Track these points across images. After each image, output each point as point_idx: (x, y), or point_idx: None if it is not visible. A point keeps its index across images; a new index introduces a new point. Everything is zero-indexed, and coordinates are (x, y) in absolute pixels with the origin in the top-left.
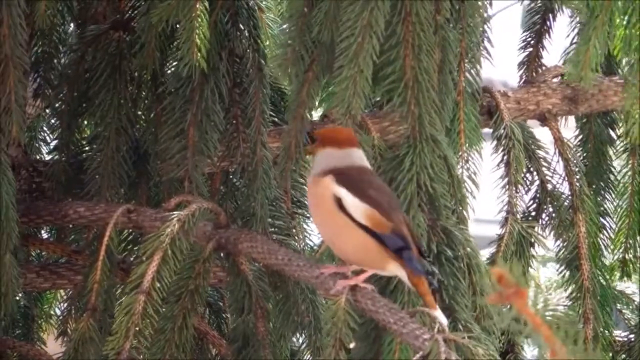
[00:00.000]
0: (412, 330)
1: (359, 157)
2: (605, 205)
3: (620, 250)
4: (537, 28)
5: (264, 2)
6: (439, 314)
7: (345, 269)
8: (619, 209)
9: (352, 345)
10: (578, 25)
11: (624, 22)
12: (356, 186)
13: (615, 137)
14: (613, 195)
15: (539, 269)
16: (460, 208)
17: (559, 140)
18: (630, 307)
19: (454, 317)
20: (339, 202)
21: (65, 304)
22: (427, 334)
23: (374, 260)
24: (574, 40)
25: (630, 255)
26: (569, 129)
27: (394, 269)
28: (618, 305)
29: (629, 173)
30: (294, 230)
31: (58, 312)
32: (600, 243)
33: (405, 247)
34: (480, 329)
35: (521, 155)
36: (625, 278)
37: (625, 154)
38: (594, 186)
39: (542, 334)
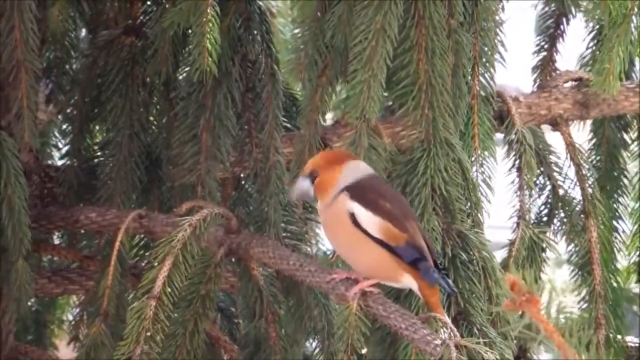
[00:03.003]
0: (423, 335)
1: (362, 167)
2: (619, 209)
3: (637, 254)
4: (550, 32)
5: (274, 7)
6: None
7: (357, 274)
8: (634, 213)
9: (364, 351)
10: (594, 29)
11: None
12: (369, 199)
13: (629, 141)
14: (627, 199)
15: (554, 271)
16: (476, 211)
17: (570, 145)
18: None
19: (469, 321)
20: (353, 218)
21: (77, 310)
22: (439, 339)
23: (388, 272)
24: (590, 45)
25: None
26: (583, 132)
27: (407, 281)
28: (634, 307)
29: None
30: (306, 235)
31: (70, 317)
32: (614, 247)
33: (420, 259)
34: (496, 333)
35: (532, 160)
36: None
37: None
38: (607, 188)
39: (555, 341)
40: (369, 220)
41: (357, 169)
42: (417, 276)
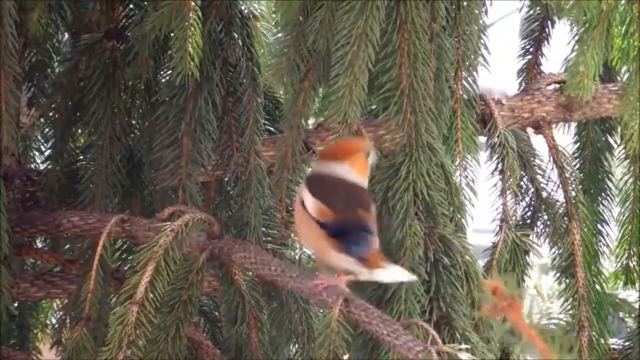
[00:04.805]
0: (405, 342)
1: (340, 170)
2: (603, 213)
3: (624, 258)
4: (535, 35)
5: (258, 10)
6: (382, 272)
7: (338, 280)
8: (621, 216)
9: (345, 357)
10: (578, 32)
11: (622, 33)
12: (319, 188)
13: (613, 144)
14: (611, 203)
15: (541, 277)
16: (459, 216)
17: (553, 148)
18: (633, 315)
19: (451, 326)
20: (303, 203)
21: (60, 313)
22: (420, 345)
23: (324, 248)
24: (575, 48)
25: (634, 263)
26: (568, 135)
27: (336, 260)
28: (620, 313)
29: (631, 180)
30: (289, 240)
31: (54, 321)
32: (597, 250)
33: (350, 232)
34: (478, 338)
35: (515, 163)
36: (629, 285)
37: (626, 161)
38: (591, 191)
39: (536, 346)
40: (310, 202)
41: (331, 168)
42: (341, 247)
